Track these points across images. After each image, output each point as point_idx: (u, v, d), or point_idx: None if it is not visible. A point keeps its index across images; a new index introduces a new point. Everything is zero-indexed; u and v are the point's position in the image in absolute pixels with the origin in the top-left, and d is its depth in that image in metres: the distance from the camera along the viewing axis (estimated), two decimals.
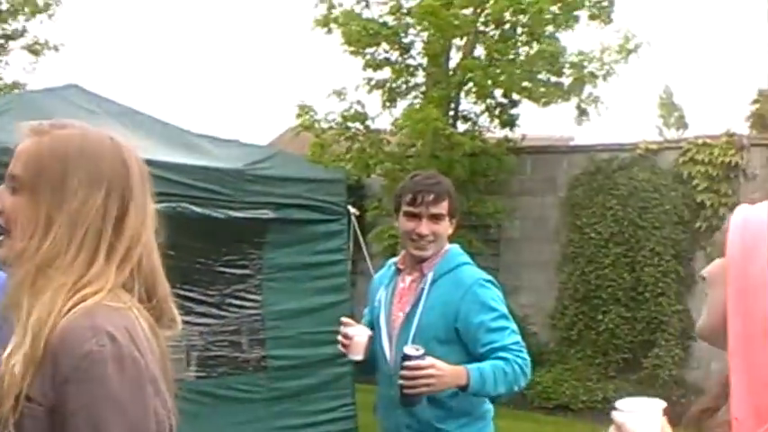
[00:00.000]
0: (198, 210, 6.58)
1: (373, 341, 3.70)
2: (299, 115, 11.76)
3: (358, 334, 3.65)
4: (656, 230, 10.24)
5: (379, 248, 10.74)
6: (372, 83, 11.75)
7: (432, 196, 3.59)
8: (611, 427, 1.75)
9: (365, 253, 8.56)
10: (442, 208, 3.61)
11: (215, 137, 8.29)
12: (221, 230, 6.90)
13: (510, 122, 11.72)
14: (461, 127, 11.65)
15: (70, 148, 1.72)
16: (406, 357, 3.35)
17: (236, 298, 7.49)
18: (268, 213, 7.49)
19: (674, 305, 10.12)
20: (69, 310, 1.62)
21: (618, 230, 10.48)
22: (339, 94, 11.73)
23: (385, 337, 3.68)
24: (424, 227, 3.58)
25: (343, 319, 3.75)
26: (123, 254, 1.70)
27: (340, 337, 3.69)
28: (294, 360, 7.62)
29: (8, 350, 1.62)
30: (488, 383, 3.39)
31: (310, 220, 7.81)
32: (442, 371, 3.36)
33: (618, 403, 1.71)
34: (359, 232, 8.31)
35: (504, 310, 3.57)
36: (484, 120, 11.85)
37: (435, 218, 3.60)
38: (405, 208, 3.64)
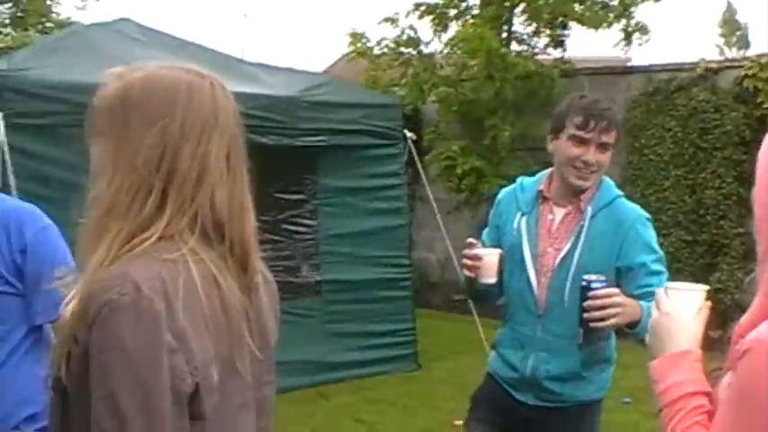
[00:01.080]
0: (253, 137, 6.59)
1: (506, 270, 3.40)
2: (351, 42, 11.68)
3: (489, 254, 3.32)
4: (717, 152, 10.04)
5: (435, 171, 10.72)
6: (422, 8, 11.62)
7: (605, 123, 3.27)
8: (653, 302, 1.91)
9: (423, 178, 8.53)
10: (612, 137, 3.30)
11: (269, 65, 8.28)
12: (276, 157, 6.91)
13: (562, 44, 11.56)
14: (515, 49, 11.49)
15: (132, 90, 1.67)
16: (588, 288, 3.05)
17: (291, 223, 7.54)
18: (323, 139, 7.50)
19: (735, 228, 9.96)
20: (118, 256, 1.61)
21: (678, 152, 10.29)
22: (391, 20, 11.62)
23: (532, 273, 3.36)
24: (592, 155, 3.28)
25: (470, 240, 3.37)
26: (184, 197, 1.65)
27: (466, 260, 3.34)
28: (349, 284, 7.68)
29: (71, 294, 1.64)
30: (646, 326, 3.16)
31: (366, 144, 7.80)
32: (626, 301, 3.07)
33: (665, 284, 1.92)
34: (416, 157, 8.28)
35: (661, 252, 3.33)
36: (537, 42, 11.69)
37: (603, 147, 3.29)
38: (572, 131, 3.29)
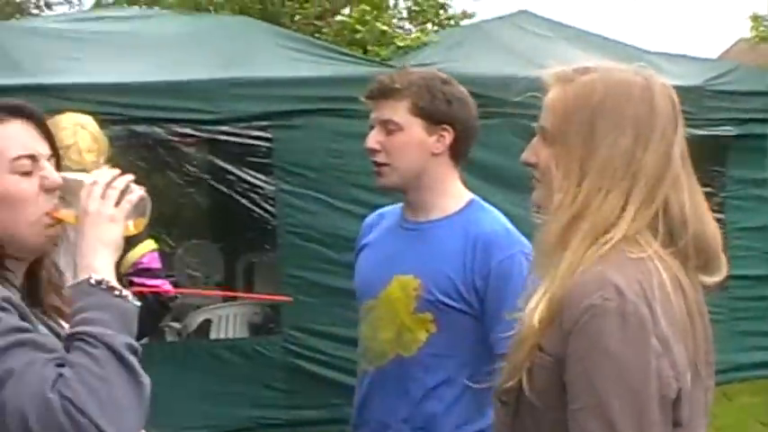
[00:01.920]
0: None
1: None
2: (753, 27, 11.05)
3: None
4: None
5: None
6: None
7: None
8: None
9: None
10: None
11: (670, 53, 8.05)
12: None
13: None
14: None
15: (595, 95, 1.66)
16: None
17: None
18: (730, 129, 7.16)
19: None
20: (586, 259, 1.60)
21: None
22: None
23: None
24: None
25: None
26: (644, 197, 1.63)
27: None
28: (758, 280, 7.26)
29: (533, 300, 1.64)
30: None
31: None
32: None
33: None
34: None
35: None
36: None
37: None
38: None
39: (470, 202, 2.75)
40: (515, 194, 5.85)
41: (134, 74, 5.66)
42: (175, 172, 6.10)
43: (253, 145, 5.72)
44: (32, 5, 19.47)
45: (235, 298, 6.81)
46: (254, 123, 5.68)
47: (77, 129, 3.47)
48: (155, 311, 3.46)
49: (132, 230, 1.72)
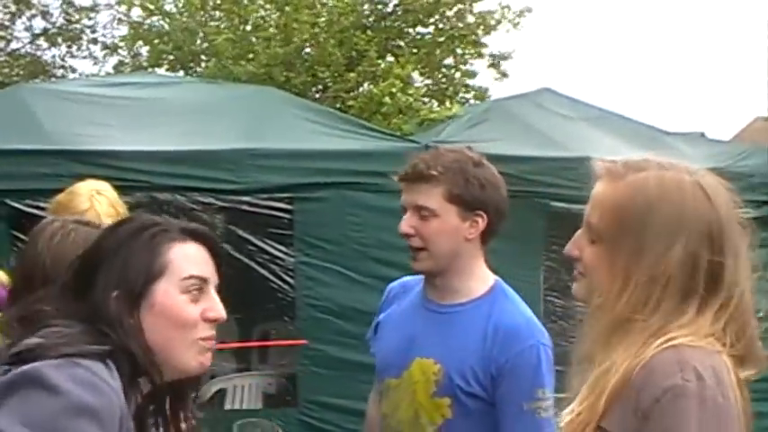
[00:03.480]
0: None
1: None
2: None
3: None
4: None
5: None
6: None
7: None
8: None
9: None
10: None
11: (686, 133, 8.06)
12: None
13: None
14: None
15: (649, 197, 1.64)
16: None
17: None
18: (749, 212, 7.11)
19: None
20: (648, 353, 1.59)
21: None
22: None
23: None
24: None
25: None
26: (718, 307, 1.61)
27: None
28: None
29: (585, 389, 1.63)
30: None
31: None
32: None
33: None
34: None
35: None
36: None
37: None
38: None
39: (494, 287, 2.75)
40: (528, 272, 5.91)
41: (158, 142, 5.72)
42: None
43: (274, 216, 5.76)
44: (57, 67, 19.78)
45: (248, 369, 6.77)
46: (276, 195, 5.72)
47: (93, 194, 3.51)
48: None
49: None
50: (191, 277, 1.71)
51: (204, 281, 1.73)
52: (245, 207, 5.73)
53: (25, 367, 1.49)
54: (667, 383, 1.53)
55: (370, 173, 5.52)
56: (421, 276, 2.85)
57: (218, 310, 1.75)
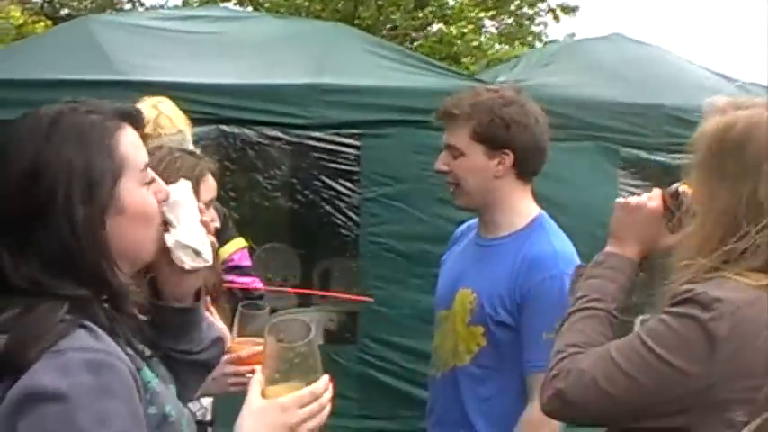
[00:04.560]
0: None
1: None
2: None
3: None
4: None
5: None
6: None
7: None
8: None
9: None
10: None
11: (759, 84, 7.85)
12: None
13: None
14: None
15: (731, 134, 1.66)
16: None
17: None
18: None
19: None
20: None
21: None
22: None
23: None
24: None
25: None
26: (755, 238, 1.63)
27: None
28: None
29: None
30: None
31: None
32: None
33: None
34: None
35: None
36: None
37: None
38: None
39: (534, 220, 2.81)
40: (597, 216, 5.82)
41: (226, 75, 5.71)
42: (261, 174, 6.11)
43: (340, 152, 5.73)
44: (126, 0, 19.84)
45: (310, 304, 6.79)
46: (344, 131, 5.69)
47: (156, 104, 3.57)
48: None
49: None
50: (145, 167, 1.54)
51: (148, 165, 1.56)
52: (312, 142, 5.71)
53: (14, 390, 1.34)
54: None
55: (436, 111, 5.42)
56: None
57: (163, 187, 1.58)
